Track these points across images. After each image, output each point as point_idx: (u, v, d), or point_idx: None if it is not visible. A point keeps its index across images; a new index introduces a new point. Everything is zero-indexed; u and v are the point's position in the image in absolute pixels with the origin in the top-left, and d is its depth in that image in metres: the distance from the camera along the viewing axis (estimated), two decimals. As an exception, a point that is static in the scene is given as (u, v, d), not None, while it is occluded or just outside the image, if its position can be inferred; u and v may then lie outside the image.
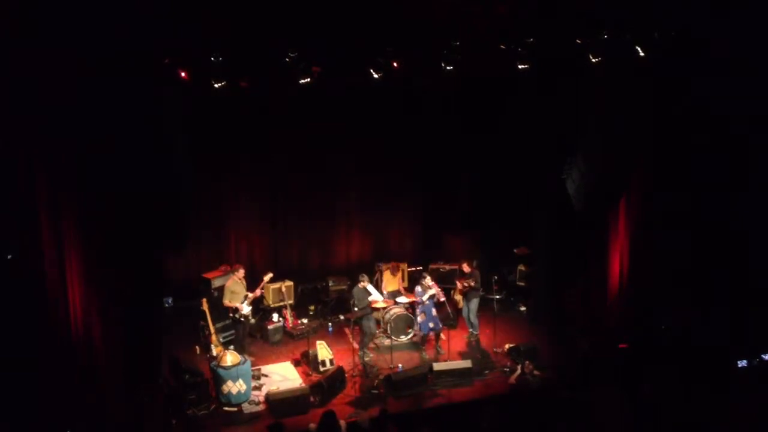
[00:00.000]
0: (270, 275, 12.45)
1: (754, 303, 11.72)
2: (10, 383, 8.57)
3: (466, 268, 13.00)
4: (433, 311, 12.40)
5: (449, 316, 13.00)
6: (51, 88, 8.60)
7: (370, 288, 12.34)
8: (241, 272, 12.20)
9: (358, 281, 12.30)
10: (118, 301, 9.81)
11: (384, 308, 12.78)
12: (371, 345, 12.62)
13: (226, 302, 12.04)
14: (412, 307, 13.27)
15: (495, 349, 12.62)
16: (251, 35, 9.97)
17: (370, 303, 12.28)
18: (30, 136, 8.61)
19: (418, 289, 12.58)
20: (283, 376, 11.86)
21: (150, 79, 9.55)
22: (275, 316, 13.50)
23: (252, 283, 12.35)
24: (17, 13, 8.16)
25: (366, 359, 12.23)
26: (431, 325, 12.43)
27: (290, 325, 13.50)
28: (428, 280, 12.47)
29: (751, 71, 11.05)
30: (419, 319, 12.58)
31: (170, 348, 11.73)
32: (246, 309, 12.04)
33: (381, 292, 13.14)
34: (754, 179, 11.78)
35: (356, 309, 12.22)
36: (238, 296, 12.03)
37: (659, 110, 11.75)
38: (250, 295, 12.09)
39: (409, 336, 13.02)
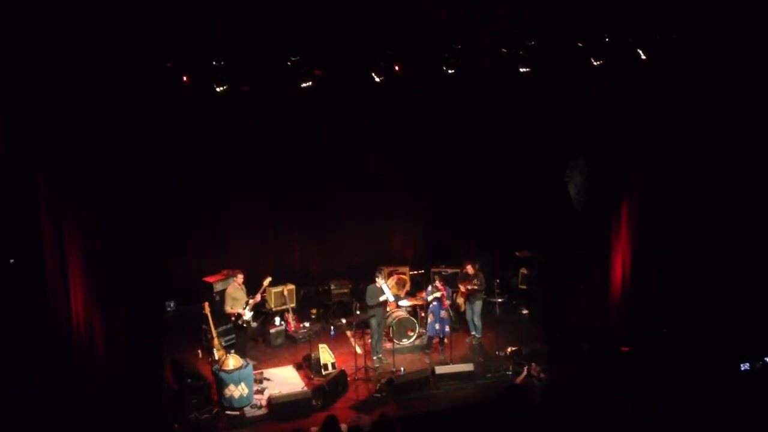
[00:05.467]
0: (269, 279, 12.42)
1: (756, 304, 11.68)
2: (12, 384, 8.57)
3: (470, 269, 13.00)
4: (442, 314, 12.38)
5: (452, 319, 12.98)
6: (51, 89, 8.61)
7: (385, 287, 12.34)
8: (240, 278, 12.20)
9: (374, 277, 12.22)
10: (120, 304, 9.80)
11: (387, 311, 12.77)
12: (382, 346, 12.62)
13: (228, 309, 12.03)
14: (414, 310, 13.29)
15: (497, 352, 12.60)
16: (253, 39, 9.99)
17: (383, 302, 12.23)
18: (31, 137, 8.62)
19: (429, 289, 12.66)
20: (285, 379, 11.85)
21: (151, 82, 9.56)
22: (277, 320, 13.49)
23: (252, 287, 12.34)
24: (18, 14, 8.17)
25: (377, 365, 12.21)
26: (437, 327, 12.41)
27: (292, 329, 13.49)
28: (438, 283, 12.47)
29: (751, 71, 11.05)
30: (429, 319, 12.58)
31: (172, 351, 11.72)
32: (248, 314, 12.04)
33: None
34: (755, 178, 11.75)
35: (357, 312, 12.16)
36: (239, 302, 12.02)
37: (660, 111, 11.74)
38: (252, 300, 12.09)
39: (411, 339, 13.02)
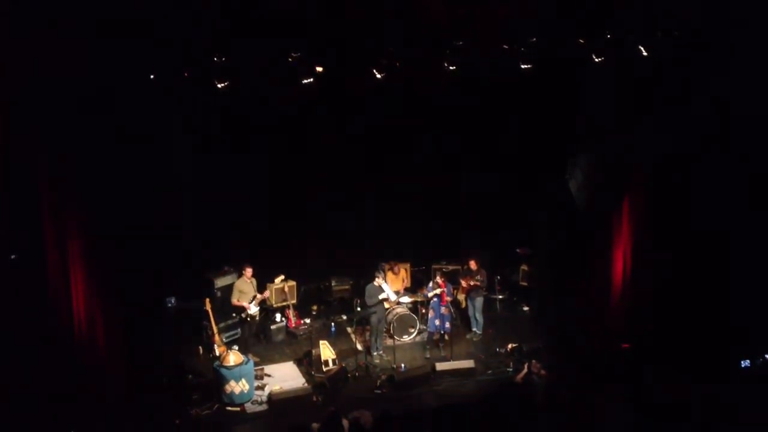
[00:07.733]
0: (282, 277, 12.47)
1: (756, 302, 11.69)
2: (14, 384, 8.60)
3: (473, 265, 13.02)
4: (442, 310, 12.41)
5: (452, 315, 13.00)
6: (52, 90, 8.62)
7: (384, 286, 12.37)
8: (249, 271, 12.22)
9: (374, 277, 12.28)
10: (121, 301, 9.83)
11: (387, 309, 12.79)
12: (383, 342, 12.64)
13: (234, 301, 12.07)
14: (414, 306, 13.30)
15: (498, 349, 12.62)
16: (254, 36, 9.99)
17: (382, 300, 12.27)
18: (33, 137, 8.64)
19: (430, 285, 12.70)
20: (285, 375, 11.88)
21: (151, 80, 9.57)
22: (278, 316, 13.51)
23: (260, 283, 12.35)
24: (17, 15, 8.19)
25: (377, 361, 12.25)
26: (437, 322, 12.44)
27: (293, 325, 13.52)
28: (439, 279, 12.50)
29: (753, 70, 11.04)
30: (429, 315, 12.61)
31: (173, 348, 11.75)
32: (253, 309, 12.07)
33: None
34: (755, 177, 11.76)
35: (359, 309, 12.18)
36: (246, 296, 12.06)
37: (661, 109, 11.74)
38: (259, 296, 12.12)
39: (412, 336, 13.04)
